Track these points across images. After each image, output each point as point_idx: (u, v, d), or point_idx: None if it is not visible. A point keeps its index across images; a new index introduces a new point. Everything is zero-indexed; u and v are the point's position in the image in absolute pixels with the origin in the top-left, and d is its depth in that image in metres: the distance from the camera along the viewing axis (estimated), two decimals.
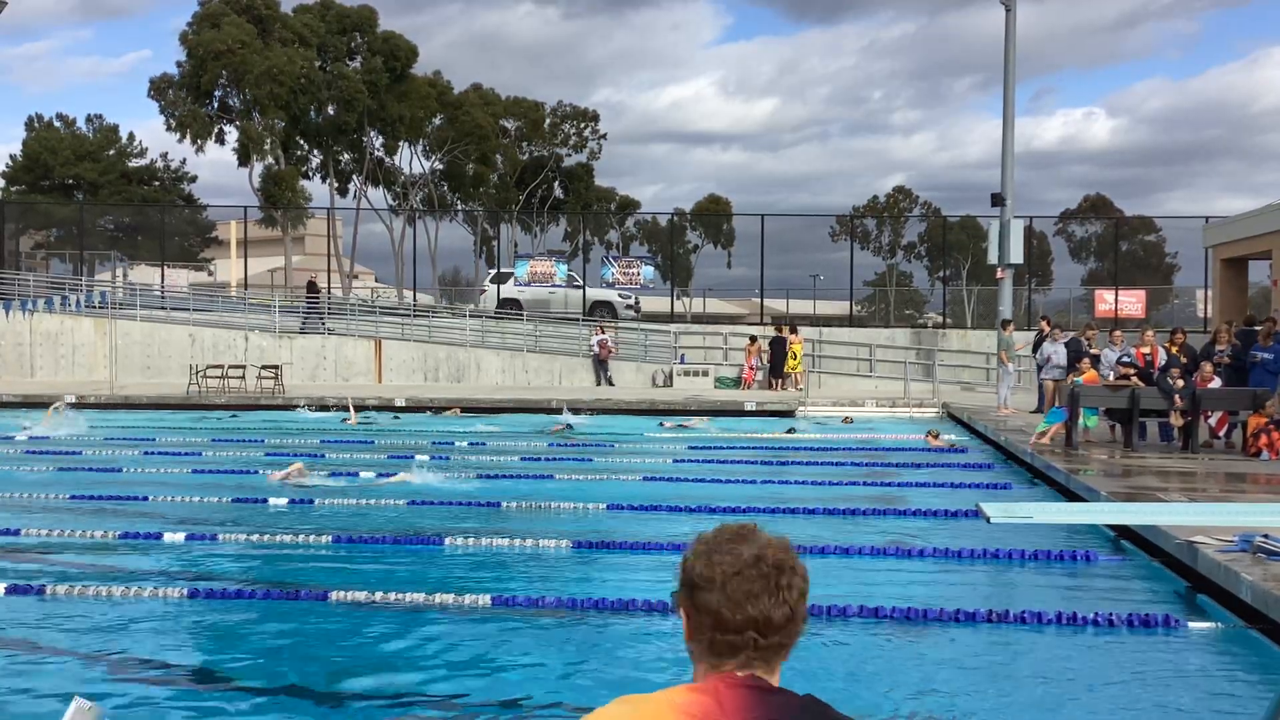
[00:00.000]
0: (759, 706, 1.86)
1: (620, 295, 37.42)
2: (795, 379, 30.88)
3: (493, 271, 39.62)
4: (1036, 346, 21.58)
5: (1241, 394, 15.33)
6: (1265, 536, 7.93)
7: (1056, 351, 19.85)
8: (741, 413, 25.15)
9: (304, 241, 57.94)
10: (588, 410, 24.93)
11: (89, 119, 59.53)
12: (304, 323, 34.03)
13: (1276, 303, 27.35)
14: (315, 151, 52.41)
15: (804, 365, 31.10)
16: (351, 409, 24.38)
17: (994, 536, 10.00)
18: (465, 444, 19.02)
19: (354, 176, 53.51)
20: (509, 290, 37.30)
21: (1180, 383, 15.35)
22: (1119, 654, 6.85)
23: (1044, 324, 22.42)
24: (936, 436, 19.16)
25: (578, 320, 35.44)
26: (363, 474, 14.90)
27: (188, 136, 47.97)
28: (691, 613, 1.95)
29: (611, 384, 31.73)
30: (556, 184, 60.76)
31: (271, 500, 12.35)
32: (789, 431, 21.22)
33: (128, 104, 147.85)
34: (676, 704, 1.85)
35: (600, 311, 36.21)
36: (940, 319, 41.30)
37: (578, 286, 37.38)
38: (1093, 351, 17.81)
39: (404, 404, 26.16)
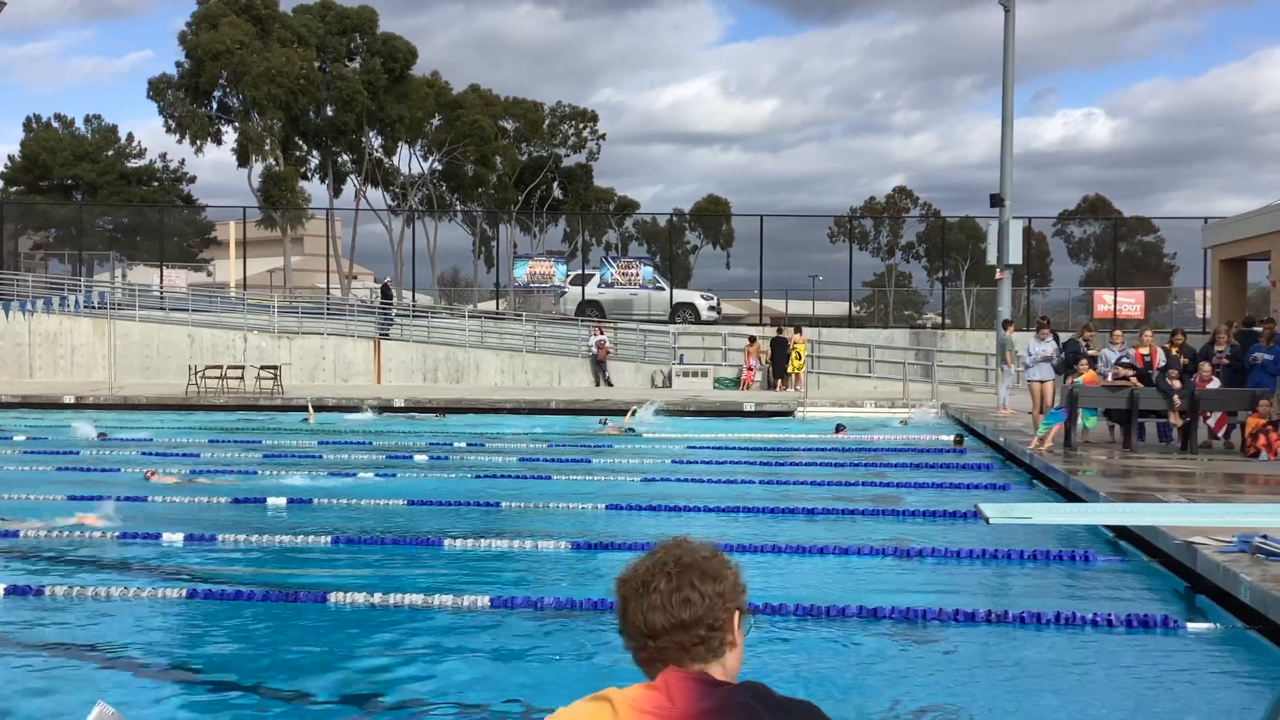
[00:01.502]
0: (706, 696, 2.02)
1: (703, 297, 37.02)
2: (795, 379, 30.89)
3: (573, 274, 38.75)
4: None
5: (1240, 395, 15.34)
6: (1264, 537, 7.94)
7: (1045, 350, 19.21)
8: (740, 413, 25.16)
9: (303, 242, 57.92)
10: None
11: (87, 119, 59.58)
12: (381, 329, 33.98)
13: (1275, 303, 27.37)
14: (314, 152, 52.40)
15: (804, 365, 31.10)
16: (310, 409, 24.29)
17: (993, 537, 10.01)
18: (464, 444, 19.03)
19: (353, 177, 53.51)
20: (591, 292, 36.89)
21: (1179, 383, 15.36)
22: (1118, 655, 6.86)
23: (1041, 323, 22.37)
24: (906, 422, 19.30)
25: (576, 321, 35.42)
26: (360, 474, 14.93)
27: (186, 137, 47.97)
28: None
29: (610, 384, 31.74)
30: (555, 184, 60.76)
31: (270, 501, 12.35)
32: (838, 430, 20.91)
33: (129, 104, 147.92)
34: (630, 699, 2.03)
35: (684, 313, 35.96)
36: (939, 320, 41.31)
37: (661, 288, 37.09)
38: (1090, 352, 17.77)
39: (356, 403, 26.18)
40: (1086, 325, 20.49)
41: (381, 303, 35.36)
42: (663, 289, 37.22)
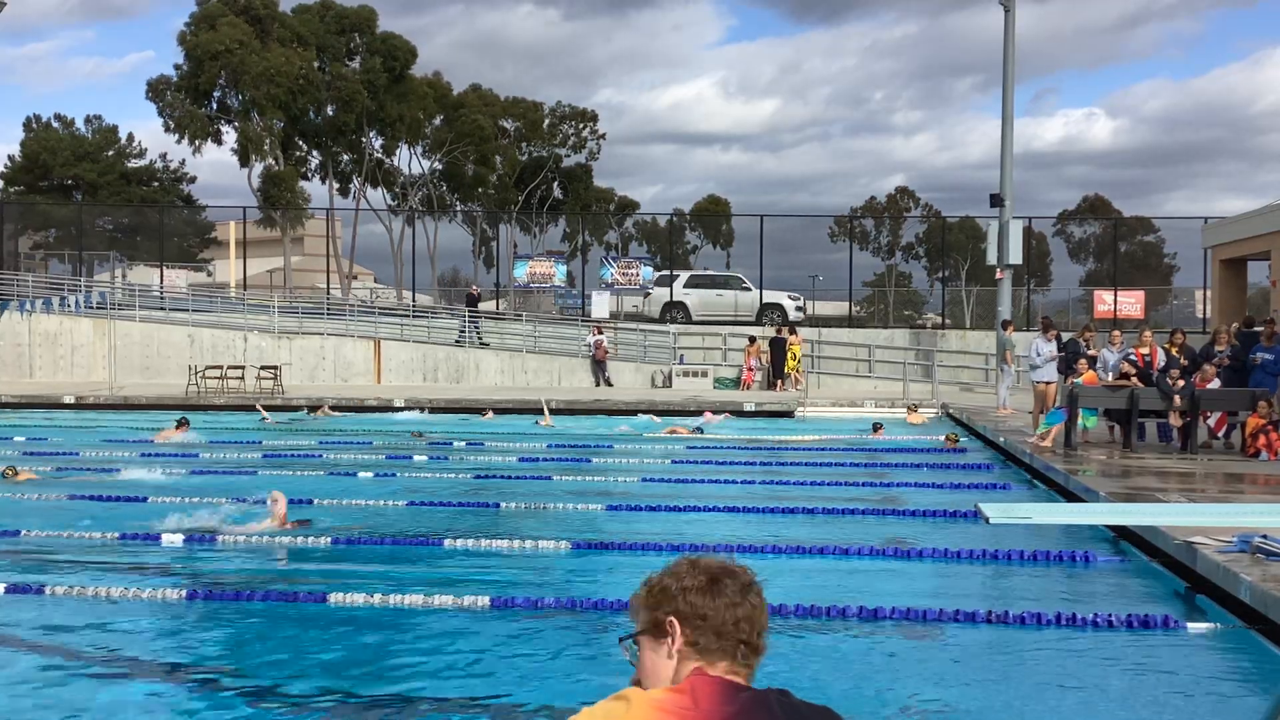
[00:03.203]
0: (730, 701, 2.06)
1: (790, 298, 36.63)
2: (795, 379, 30.89)
3: (659, 274, 38.47)
4: None
5: (1240, 395, 15.34)
6: (1264, 537, 7.94)
7: (1053, 349, 19.13)
8: (741, 413, 25.15)
9: (303, 242, 57.90)
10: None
11: (88, 119, 59.56)
12: (461, 336, 33.93)
13: (1275, 303, 27.38)
14: (314, 152, 52.40)
15: (803, 366, 31.10)
16: (264, 408, 24.58)
17: (993, 537, 10.01)
18: (463, 444, 19.03)
19: (353, 177, 53.50)
20: (676, 293, 36.46)
21: (1180, 383, 15.36)
22: (1118, 654, 6.86)
23: (1047, 324, 22.32)
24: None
25: (576, 321, 35.39)
26: (361, 474, 14.92)
27: (185, 137, 47.95)
28: (689, 631, 2.19)
29: (610, 384, 31.73)
30: (555, 184, 60.77)
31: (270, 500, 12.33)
32: (876, 429, 20.68)
33: (129, 105, 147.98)
34: (653, 699, 2.06)
35: (771, 314, 35.60)
36: (939, 319, 41.30)
37: (747, 289, 36.83)
38: (1090, 352, 17.75)
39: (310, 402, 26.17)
40: (1087, 325, 20.44)
41: (469, 310, 35.12)
42: (750, 290, 36.88)
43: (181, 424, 19.55)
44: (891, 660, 6.77)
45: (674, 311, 36.00)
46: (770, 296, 36.57)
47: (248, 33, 46.13)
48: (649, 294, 37.15)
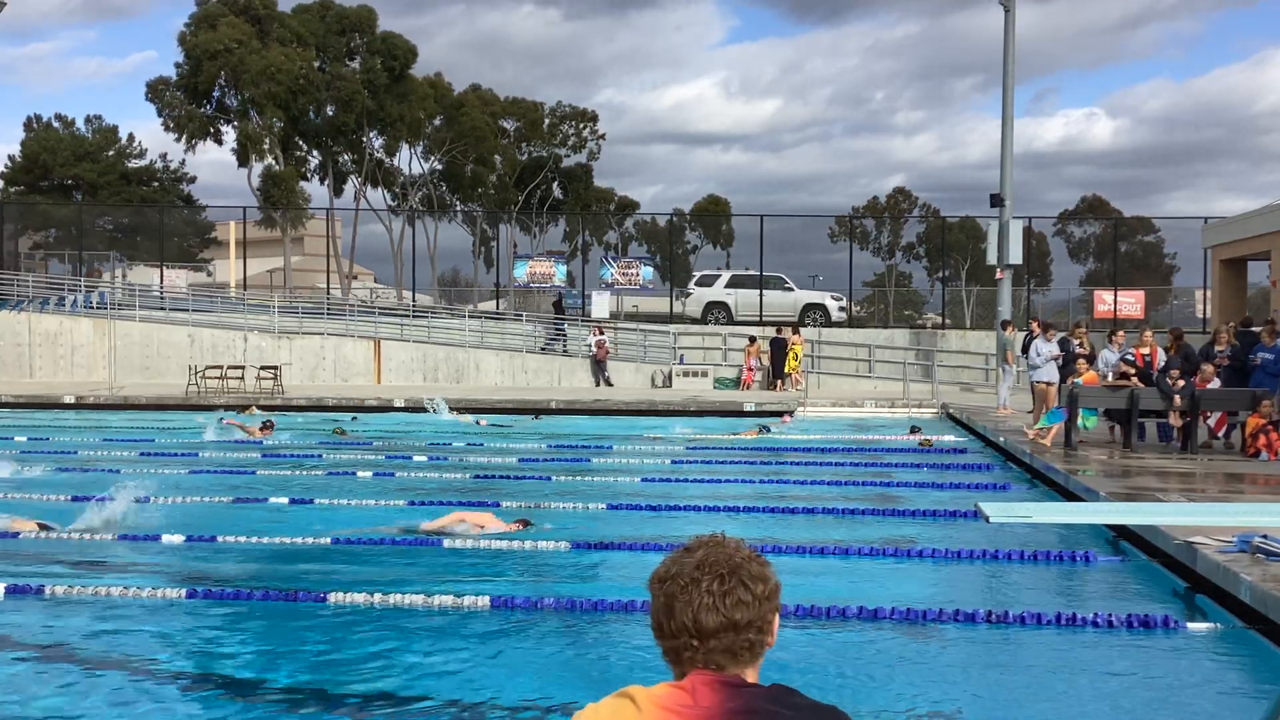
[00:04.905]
0: (732, 697, 2.01)
1: (833, 298, 36.39)
2: (795, 379, 30.89)
3: (697, 275, 38.40)
4: (1026, 347, 21.10)
5: (1240, 394, 15.34)
6: (1264, 537, 7.94)
7: (1054, 350, 19.13)
8: (740, 413, 25.15)
9: (303, 242, 57.88)
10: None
11: (88, 119, 59.60)
12: (546, 344, 33.80)
13: (1275, 303, 27.39)
14: (314, 152, 52.39)
15: (803, 366, 31.10)
16: (248, 410, 24.80)
17: (993, 537, 10.01)
18: (463, 444, 19.03)
19: (353, 177, 53.49)
20: (716, 293, 36.36)
21: (1180, 383, 15.36)
22: (1118, 654, 6.86)
23: (1035, 325, 22.27)
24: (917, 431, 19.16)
25: (577, 321, 35.40)
26: (360, 473, 14.93)
27: (184, 137, 47.93)
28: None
29: (610, 384, 31.73)
30: (555, 184, 60.77)
31: (271, 499, 12.35)
32: (914, 432, 20.53)
33: (130, 105, 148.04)
34: (654, 696, 2.03)
35: (812, 314, 35.35)
36: (939, 319, 41.31)
37: (789, 289, 36.62)
38: (1080, 351, 17.70)
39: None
40: (1078, 323, 20.42)
41: (555, 317, 35.00)
42: (791, 290, 36.62)
43: (266, 425, 19.82)
44: (891, 660, 6.77)
45: (716, 311, 35.91)
46: (813, 297, 36.35)
47: (247, 32, 46.13)
48: (690, 294, 36.97)
